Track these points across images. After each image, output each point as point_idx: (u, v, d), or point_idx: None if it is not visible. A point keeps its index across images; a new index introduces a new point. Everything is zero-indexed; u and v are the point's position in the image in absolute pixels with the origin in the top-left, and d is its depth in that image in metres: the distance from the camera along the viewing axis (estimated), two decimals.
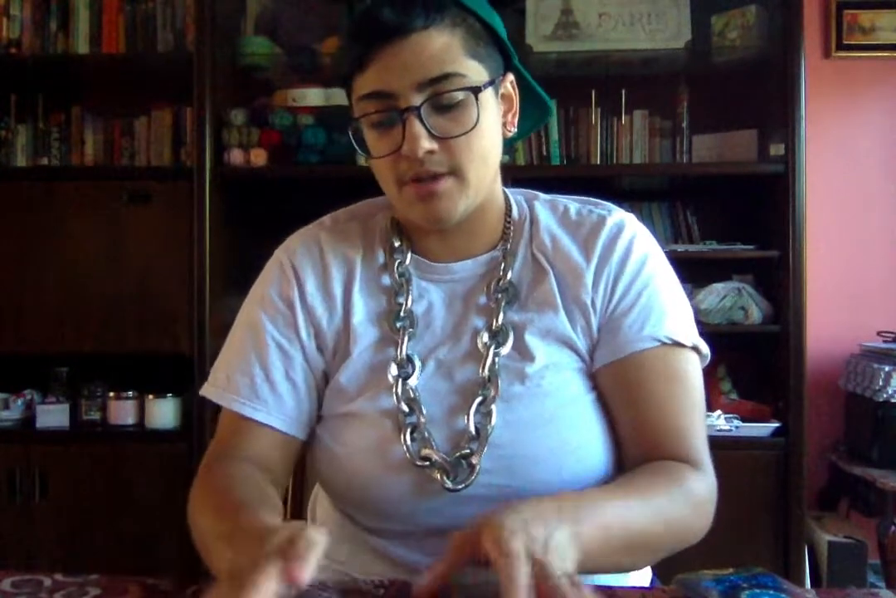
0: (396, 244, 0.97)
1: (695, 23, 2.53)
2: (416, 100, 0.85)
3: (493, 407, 0.89)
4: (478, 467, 0.87)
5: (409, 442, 0.89)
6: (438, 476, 0.88)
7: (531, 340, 0.92)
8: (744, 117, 2.60)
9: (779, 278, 2.47)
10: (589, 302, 0.93)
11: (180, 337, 2.49)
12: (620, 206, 1.01)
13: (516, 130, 0.95)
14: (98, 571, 0.81)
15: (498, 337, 0.92)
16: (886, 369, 2.39)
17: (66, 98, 2.71)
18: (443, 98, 0.85)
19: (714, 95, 2.66)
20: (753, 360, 2.64)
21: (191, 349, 2.47)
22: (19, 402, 2.61)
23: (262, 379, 0.94)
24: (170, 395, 2.53)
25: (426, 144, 0.85)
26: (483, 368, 0.91)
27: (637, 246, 0.94)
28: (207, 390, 0.97)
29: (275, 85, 2.66)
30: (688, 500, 0.84)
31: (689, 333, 0.92)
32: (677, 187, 2.72)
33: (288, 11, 2.66)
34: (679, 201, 2.69)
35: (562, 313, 0.93)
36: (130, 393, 2.56)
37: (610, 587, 0.77)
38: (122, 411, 2.54)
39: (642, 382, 0.90)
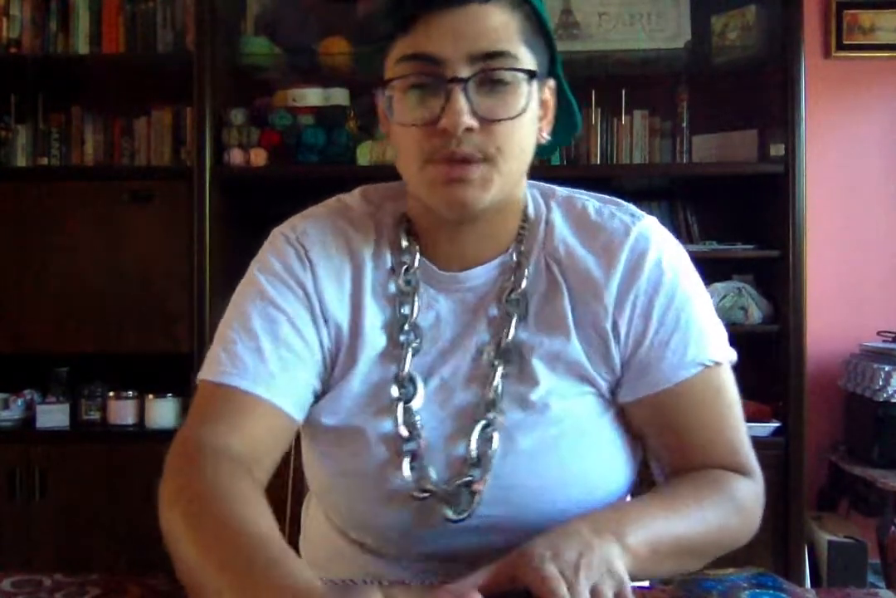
0: (405, 245, 0.89)
1: (695, 23, 2.53)
2: (465, 72, 0.77)
3: (495, 434, 0.84)
4: (478, 497, 0.83)
5: (407, 472, 0.84)
6: (438, 507, 0.84)
7: (537, 364, 0.86)
8: (744, 117, 2.60)
9: (779, 278, 2.47)
10: (609, 328, 0.86)
11: (180, 337, 2.49)
12: None
13: (548, 138, 0.87)
14: (98, 571, 0.81)
15: (505, 356, 0.86)
16: (886, 368, 2.39)
17: (66, 98, 2.71)
18: (494, 75, 0.77)
19: (714, 95, 2.65)
20: (753, 360, 2.62)
21: (191, 349, 2.47)
22: (19, 402, 2.60)
23: (272, 353, 0.84)
24: (170, 395, 2.53)
25: (468, 120, 0.76)
26: (487, 389, 0.85)
27: (667, 264, 0.87)
28: (205, 374, 0.85)
29: (275, 85, 2.65)
30: (734, 506, 0.84)
31: (726, 349, 0.89)
32: (677, 187, 2.72)
33: (288, 11, 2.66)
34: (679, 201, 2.69)
35: (574, 338, 0.86)
36: (130, 393, 2.56)
37: None
38: (122, 411, 2.54)
39: (687, 407, 0.86)
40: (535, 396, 0.85)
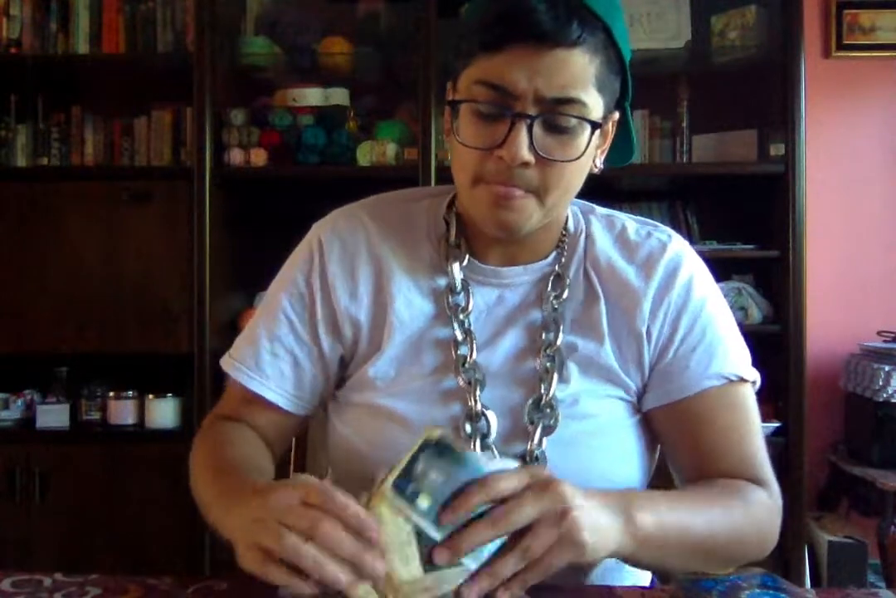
0: (455, 243, 0.94)
1: (695, 23, 2.53)
2: (533, 109, 0.80)
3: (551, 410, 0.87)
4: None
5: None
6: None
7: (571, 366, 0.90)
8: (744, 117, 2.60)
9: (779, 278, 2.47)
10: (644, 331, 0.91)
11: (180, 337, 2.49)
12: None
13: (601, 166, 0.91)
14: (98, 571, 0.81)
15: (552, 359, 0.90)
16: (886, 368, 2.39)
17: (66, 98, 2.71)
18: (559, 120, 0.81)
19: (714, 95, 2.65)
20: (753, 360, 2.63)
21: (191, 349, 2.47)
22: (19, 402, 2.60)
23: (266, 351, 0.95)
24: (170, 395, 2.53)
25: (526, 155, 0.80)
26: (542, 358, 0.89)
27: (698, 282, 0.93)
28: (223, 361, 0.99)
29: (275, 85, 2.66)
30: (747, 513, 0.85)
31: (750, 369, 0.94)
32: (677, 187, 2.72)
33: (288, 11, 2.66)
34: (679, 201, 2.69)
35: (608, 343, 0.91)
36: (130, 393, 2.56)
37: (609, 587, 0.77)
38: (122, 411, 2.54)
39: (707, 418, 0.90)
40: (563, 393, 0.89)
